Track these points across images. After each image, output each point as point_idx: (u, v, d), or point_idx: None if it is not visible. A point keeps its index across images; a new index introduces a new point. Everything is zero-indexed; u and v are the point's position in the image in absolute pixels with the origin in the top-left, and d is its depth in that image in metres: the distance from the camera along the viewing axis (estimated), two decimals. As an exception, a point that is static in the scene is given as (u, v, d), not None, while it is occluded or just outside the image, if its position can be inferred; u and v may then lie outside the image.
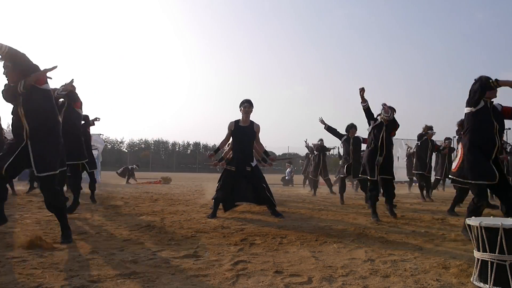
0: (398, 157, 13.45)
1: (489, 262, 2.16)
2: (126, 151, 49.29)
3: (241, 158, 5.16)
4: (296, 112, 75.57)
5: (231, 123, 5.26)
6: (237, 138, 5.26)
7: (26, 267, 2.43)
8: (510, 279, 2.08)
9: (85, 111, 5.85)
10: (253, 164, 5.22)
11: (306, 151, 12.25)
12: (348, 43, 79.75)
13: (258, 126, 5.26)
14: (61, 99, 5.04)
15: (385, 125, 5.21)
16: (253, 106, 5.17)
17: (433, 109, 71.97)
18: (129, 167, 16.44)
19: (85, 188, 6.26)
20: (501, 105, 3.73)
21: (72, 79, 4.91)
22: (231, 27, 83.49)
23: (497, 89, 3.56)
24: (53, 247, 2.99)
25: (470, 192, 4.18)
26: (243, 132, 5.19)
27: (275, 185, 13.76)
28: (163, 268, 2.50)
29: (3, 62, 3.16)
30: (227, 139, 5.37)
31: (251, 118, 5.25)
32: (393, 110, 5.28)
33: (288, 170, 16.63)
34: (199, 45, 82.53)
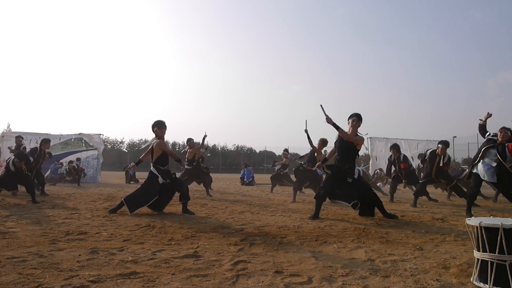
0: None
1: (489, 262, 2.16)
2: (126, 151, 49.22)
3: (341, 169, 5.17)
4: (294, 112, 75.53)
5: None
6: (339, 149, 5.26)
7: (26, 267, 2.43)
8: (510, 279, 2.08)
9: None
10: (355, 175, 5.19)
11: None
12: (347, 43, 79.84)
13: (361, 139, 5.17)
14: None
15: None
16: (361, 121, 5.18)
17: (431, 110, 72.02)
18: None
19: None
20: None
21: None
22: (224, 26, 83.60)
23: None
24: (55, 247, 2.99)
25: None
26: (344, 143, 5.16)
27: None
28: (163, 268, 2.50)
29: None
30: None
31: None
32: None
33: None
34: (191, 44, 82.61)
